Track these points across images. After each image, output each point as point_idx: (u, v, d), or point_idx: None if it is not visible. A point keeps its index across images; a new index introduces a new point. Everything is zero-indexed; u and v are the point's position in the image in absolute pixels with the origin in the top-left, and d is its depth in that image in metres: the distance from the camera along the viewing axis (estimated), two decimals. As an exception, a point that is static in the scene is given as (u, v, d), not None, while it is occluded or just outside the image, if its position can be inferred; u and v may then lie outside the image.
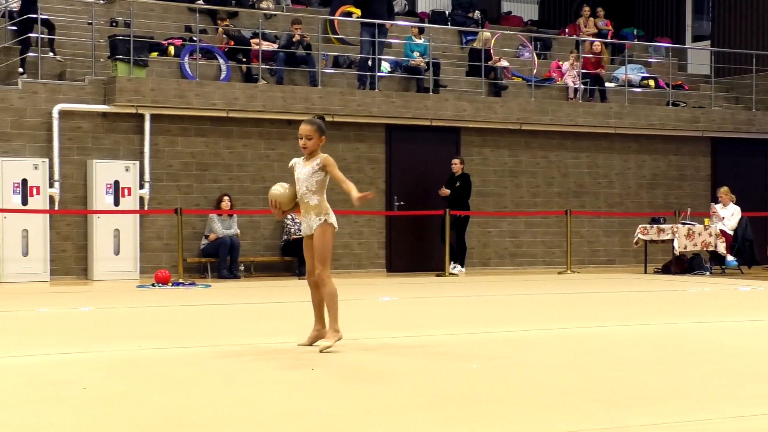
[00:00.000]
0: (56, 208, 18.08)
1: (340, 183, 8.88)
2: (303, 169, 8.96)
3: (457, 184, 20.20)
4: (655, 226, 20.88)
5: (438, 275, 19.87)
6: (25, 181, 17.77)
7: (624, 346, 9.19)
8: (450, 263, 20.00)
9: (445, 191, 20.23)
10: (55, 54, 19.17)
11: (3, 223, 17.51)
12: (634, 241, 21.37)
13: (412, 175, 21.14)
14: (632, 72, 24.94)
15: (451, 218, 19.97)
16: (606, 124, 22.93)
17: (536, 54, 24.83)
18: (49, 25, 19.19)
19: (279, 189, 9.01)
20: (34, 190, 17.84)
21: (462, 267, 20.40)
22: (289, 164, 9.22)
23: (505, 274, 20.87)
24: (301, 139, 8.98)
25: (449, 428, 5.50)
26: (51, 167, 18.04)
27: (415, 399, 6.36)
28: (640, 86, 24.83)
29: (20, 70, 18.57)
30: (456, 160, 20.34)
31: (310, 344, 8.85)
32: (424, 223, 20.69)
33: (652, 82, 25.07)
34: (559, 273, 20.98)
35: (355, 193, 8.78)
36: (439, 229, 20.10)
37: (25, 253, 17.71)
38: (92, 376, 7.31)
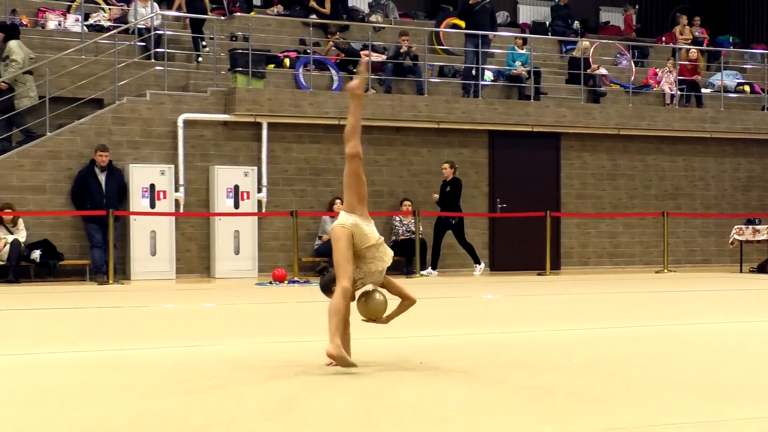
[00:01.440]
0: (181, 210, 18.35)
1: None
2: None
3: (448, 188, 19.38)
4: (750, 226, 20.51)
5: (539, 274, 19.74)
6: (152, 186, 18.07)
7: (721, 343, 9.04)
8: (476, 265, 19.58)
9: (435, 196, 19.49)
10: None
11: (133, 224, 17.83)
12: (730, 241, 21.01)
13: (514, 178, 21.04)
14: (728, 78, 24.53)
15: (447, 221, 19.45)
16: (702, 128, 22.59)
17: (633, 62, 24.57)
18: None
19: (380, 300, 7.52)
20: (161, 194, 18.14)
21: (480, 264, 19.67)
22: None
23: (604, 273, 20.65)
24: None
25: (554, 423, 5.47)
26: (176, 173, 18.33)
27: (518, 393, 6.34)
28: (735, 92, 24.40)
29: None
30: (446, 165, 19.44)
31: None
32: (526, 224, 20.58)
33: (747, 88, 24.62)
34: (657, 272, 20.71)
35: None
36: (536, 231, 19.95)
37: (153, 253, 18.00)
38: (217, 368, 7.40)
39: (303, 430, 5.15)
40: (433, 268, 19.43)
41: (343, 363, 7.03)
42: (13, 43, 17.57)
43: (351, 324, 7.33)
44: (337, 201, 18.78)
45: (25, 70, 17.54)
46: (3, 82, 17.40)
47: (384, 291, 7.50)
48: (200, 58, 20.34)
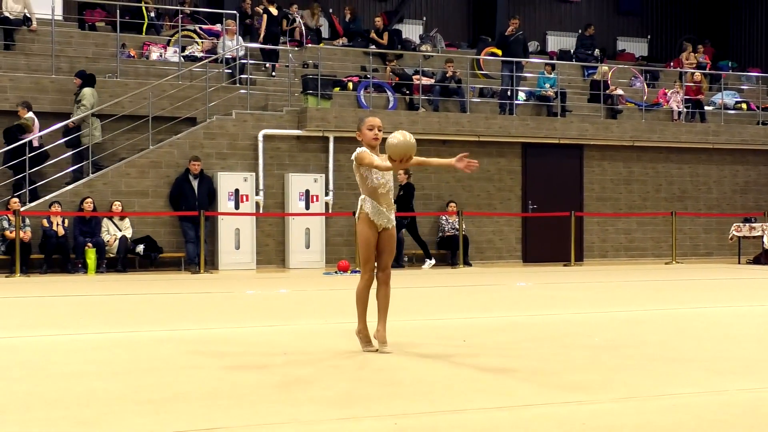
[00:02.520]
0: (261, 211, 18.43)
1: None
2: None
3: (401, 192, 18.36)
4: (747, 224, 20.28)
5: (565, 265, 19.59)
6: (237, 191, 18.16)
7: (722, 324, 8.91)
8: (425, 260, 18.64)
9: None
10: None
11: (221, 223, 17.94)
12: (729, 237, 20.79)
13: (543, 183, 20.91)
14: (727, 97, 24.21)
15: (400, 221, 18.03)
16: (705, 140, 22.32)
17: (646, 83, 24.33)
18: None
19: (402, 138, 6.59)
20: (244, 198, 18.23)
21: (431, 260, 18.69)
22: (359, 151, 6.89)
23: (620, 265, 20.46)
24: (375, 130, 6.96)
25: (578, 392, 5.41)
26: (257, 179, 18.41)
27: (546, 366, 6.28)
28: (734, 109, 24.07)
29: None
30: (401, 171, 18.10)
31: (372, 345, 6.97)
32: (554, 222, 20.43)
33: (744, 105, 24.30)
34: (666, 264, 20.49)
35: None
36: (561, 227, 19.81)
37: (237, 247, 18.10)
38: (292, 343, 7.42)
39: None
40: (429, 258, 18.74)
41: (362, 342, 6.95)
42: (87, 90, 17.49)
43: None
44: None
45: (92, 113, 17.49)
46: (71, 121, 17.40)
47: (399, 134, 6.59)
48: (274, 74, 20.47)
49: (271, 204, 18.64)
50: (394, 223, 6.97)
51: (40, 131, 17.19)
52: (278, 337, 7.89)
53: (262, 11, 21.11)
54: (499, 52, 22.18)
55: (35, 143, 17.03)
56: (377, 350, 6.82)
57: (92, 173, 17.46)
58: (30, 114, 17.03)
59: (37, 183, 17.21)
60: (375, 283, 6.93)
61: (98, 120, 17.63)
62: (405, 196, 18.51)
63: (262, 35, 20.92)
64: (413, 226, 18.79)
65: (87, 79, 17.60)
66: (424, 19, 26.40)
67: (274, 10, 21.09)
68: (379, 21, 23.18)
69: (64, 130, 17.45)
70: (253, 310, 10.40)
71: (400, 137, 6.54)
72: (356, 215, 6.94)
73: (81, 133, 17.44)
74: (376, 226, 6.83)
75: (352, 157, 6.92)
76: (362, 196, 6.90)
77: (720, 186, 22.84)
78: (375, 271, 6.88)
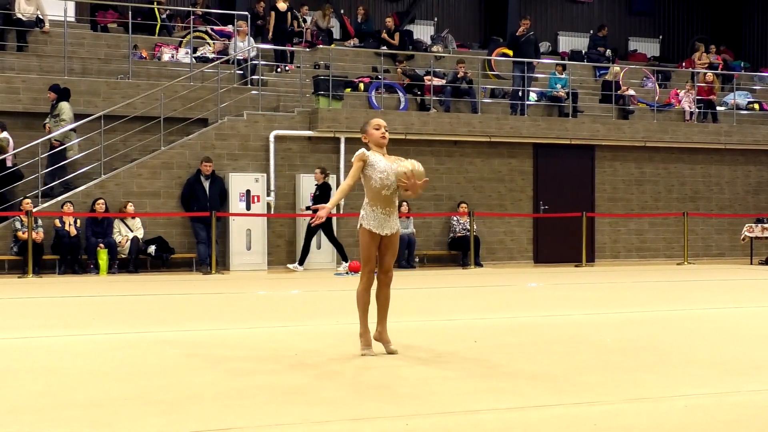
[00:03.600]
0: (272, 212, 18.45)
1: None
2: (390, 164, 6.86)
3: (317, 192, 17.65)
4: (759, 225, 20.21)
5: (576, 266, 19.56)
6: (248, 191, 18.18)
7: (734, 325, 8.89)
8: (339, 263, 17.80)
9: (313, 208, 16.95)
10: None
11: (232, 224, 17.96)
12: (741, 237, 20.72)
13: (555, 184, 20.87)
14: (739, 97, 24.14)
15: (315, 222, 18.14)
16: (717, 141, 22.25)
17: (658, 84, 24.27)
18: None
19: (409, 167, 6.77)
20: (255, 198, 18.25)
21: (300, 265, 17.53)
22: (360, 152, 6.91)
23: (632, 265, 20.42)
24: (382, 129, 6.93)
25: (589, 393, 5.41)
26: (268, 180, 18.42)
27: (558, 367, 6.27)
28: (746, 109, 23.99)
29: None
30: (317, 171, 17.82)
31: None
32: (565, 223, 20.39)
33: (756, 106, 24.21)
34: (678, 264, 20.43)
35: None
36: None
37: (249, 248, 18.11)
38: (303, 344, 7.43)
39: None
40: (300, 264, 17.58)
41: (362, 346, 6.86)
42: (64, 104, 17.31)
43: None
44: (404, 203, 18.75)
45: (71, 128, 17.35)
46: (55, 139, 17.20)
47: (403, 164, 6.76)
48: (288, 68, 20.52)
49: (283, 205, 18.65)
50: (399, 226, 6.96)
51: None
52: (289, 337, 7.90)
53: (269, 8, 21.12)
54: (511, 52, 22.15)
55: (8, 163, 16.91)
56: (375, 355, 6.73)
57: (104, 174, 17.51)
58: (4, 134, 16.93)
59: (48, 184, 17.25)
60: (375, 285, 6.88)
61: (75, 133, 17.48)
62: (321, 196, 17.47)
63: (270, 32, 20.94)
64: (329, 227, 17.74)
65: (62, 93, 17.47)
66: (436, 19, 26.40)
67: (282, 6, 21.09)
68: (390, 21, 23.19)
69: (49, 145, 17.18)
70: (264, 311, 10.42)
71: (409, 166, 6.74)
72: (358, 224, 6.92)
73: (66, 147, 17.25)
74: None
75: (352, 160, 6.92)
76: (364, 203, 6.84)
77: (732, 186, 22.77)
78: (376, 272, 6.83)
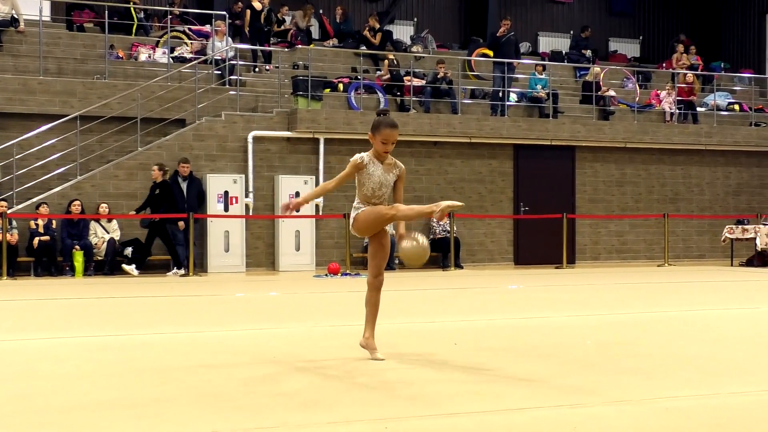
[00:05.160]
0: (250, 214, 18.42)
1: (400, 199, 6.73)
2: (384, 174, 6.61)
3: (157, 191, 16.91)
4: (740, 226, 20.32)
5: (557, 267, 19.61)
6: (226, 193, 18.15)
7: (715, 327, 8.93)
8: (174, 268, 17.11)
9: (140, 215, 17.03)
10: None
11: (210, 225, 17.92)
12: (722, 239, 20.84)
13: (535, 185, 20.94)
14: (720, 98, 24.29)
15: (147, 223, 17.02)
16: (698, 142, 22.38)
17: (638, 85, 24.39)
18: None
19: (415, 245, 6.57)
20: (234, 200, 18.22)
21: (179, 269, 16.98)
22: (357, 160, 6.64)
23: (613, 267, 20.50)
24: (389, 144, 6.65)
25: (570, 396, 5.41)
26: (246, 181, 18.40)
27: (539, 371, 6.28)
28: (726, 110, 24.15)
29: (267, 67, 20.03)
30: (155, 167, 16.96)
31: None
32: (546, 224, 20.46)
33: (737, 107, 24.37)
34: (658, 266, 20.53)
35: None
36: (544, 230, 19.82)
37: (227, 250, 18.08)
38: (282, 347, 7.41)
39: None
40: (138, 267, 16.87)
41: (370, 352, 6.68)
42: None
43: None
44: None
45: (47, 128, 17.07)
46: None
47: (414, 238, 6.55)
48: (268, 68, 20.50)
49: (261, 206, 18.62)
50: (389, 230, 6.83)
51: (27, 132, 17.14)
52: (268, 340, 7.88)
53: (245, 7, 21.08)
54: (491, 53, 22.21)
55: None
56: (383, 359, 6.54)
57: (80, 175, 17.42)
58: None
59: (25, 185, 17.16)
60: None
61: None
62: (161, 196, 16.86)
63: (247, 30, 20.91)
64: (162, 229, 16.97)
65: None
66: (415, 19, 26.43)
67: (257, 5, 21.05)
68: (372, 21, 23.16)
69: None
70: (243, 314, 10.39)
71: (414, 243, 6.50)
72: (351, 219, 6.67)
73: None
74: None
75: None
76: (356, 203, 6.64)
77: (713, 188, 22.90)
78: (365, 275, 6.62)
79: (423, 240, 6.59)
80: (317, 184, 18.84)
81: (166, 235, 17.01)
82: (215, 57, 19.84)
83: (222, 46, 20.00)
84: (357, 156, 6.65)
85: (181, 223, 17.01)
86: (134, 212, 17.11)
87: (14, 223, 16.33)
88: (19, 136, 17.20)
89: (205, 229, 17.93)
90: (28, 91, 17.89)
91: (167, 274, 17.05)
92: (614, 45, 28.72)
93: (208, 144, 18.32)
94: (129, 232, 17.46)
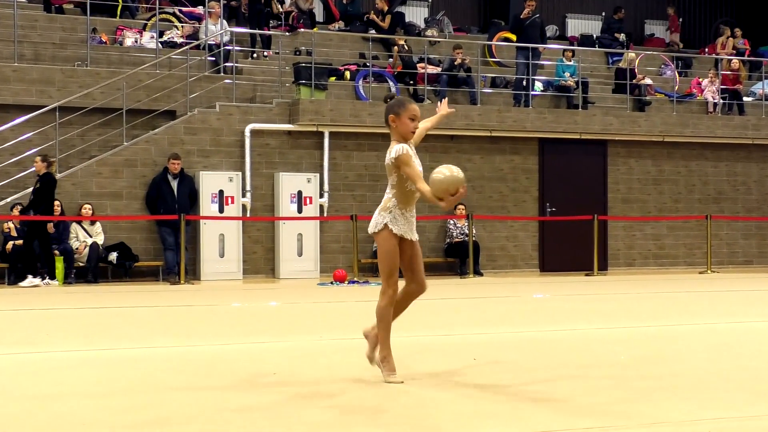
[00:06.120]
0: (248, 215, 18.45)
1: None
2: (416, 158, 6.58)
3: (37, 185, 16.15)
4: (791, 229, 20.27)
5: (587, 275, 19.60)
6: (221, 192, 18.18)
7: (763, 341, 8.91)
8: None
9: (51, 227, 16.31)
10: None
11: (203, 228, 17.94)
12: (771, 243, 20.78)
13: (563, 183, 20.92)
14: (768, 87, 24.21)
15: (27, 225, 16.23)
16: (744, 135, 22.32)
17: (677, 72, 24.35)
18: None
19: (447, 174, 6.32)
20: (229, 200, 18.25)
21: (43, 279, 16.07)
22: (403, 151, 6.48)
23: (649, 274, 20.47)
24: (417, 121, 6.62)
25: (602, 417, 5.41)
26: (243, 179, 18.43)
27: (568, 388, 6.28)
28: (776, 100, 24.07)
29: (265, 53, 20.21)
30: (37, 158, 16.21)
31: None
32: (574, 227, 20.43)
33: (788, 96, 24.27)
34: (700, 273, 20.49)
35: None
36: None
37: (222, 255, 18.11)
38: (283, 362, 7.42)
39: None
40: (35, 276, 16.03)
41: (385, 371, 6.47)
42: None
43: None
44: None
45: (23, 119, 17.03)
46: None
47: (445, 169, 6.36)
48: (265, 54, 20.55)
49: (260, 207, 18.65)
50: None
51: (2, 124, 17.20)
52: (267, 355, 7.89)
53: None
54: (514, 37, 22.19)
55: None
56: (402, 382, 6.33)
57: (59, 173, 17.47)
58: None
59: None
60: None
61: None
62: (42, 191, 16.12)
63: (245, 13, 20.92)
64: (44, 235, 16.20)
65: None
66: (430, 0, 26.43)
67: (257, -18, 21.11)
68: (381, 2, 23.17)
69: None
70: (240, 326, 10.41)
71: (446, 172, 6.27)
72: (375, 228, 6.51)
73: None
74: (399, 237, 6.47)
75: (393, 156, 6.46)
76: (388, 206, 6.49)
77: (761, 186, 22.84)
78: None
79: (455, 170, 6.31)
80: (321, 182, 18.88)
81: (46, 237, 16.20)
82: (209, 42, 19.87)
83: (216, 29, 20.03)
84: (399, 147, 6.43)
85: (50, 225, 16.28)
86: (29, 213, 16.28)
87: (-13, 225, 16.41)
88: (-7, 129, 17.26)
89: (198, 232, 17.96)
90: (1, 79, 17.95)
91: (20, 284, 15.90)
92: (650, 28, 28.67)
93: (200, 138, 18.36)
94: (114, 236, 17.51)
